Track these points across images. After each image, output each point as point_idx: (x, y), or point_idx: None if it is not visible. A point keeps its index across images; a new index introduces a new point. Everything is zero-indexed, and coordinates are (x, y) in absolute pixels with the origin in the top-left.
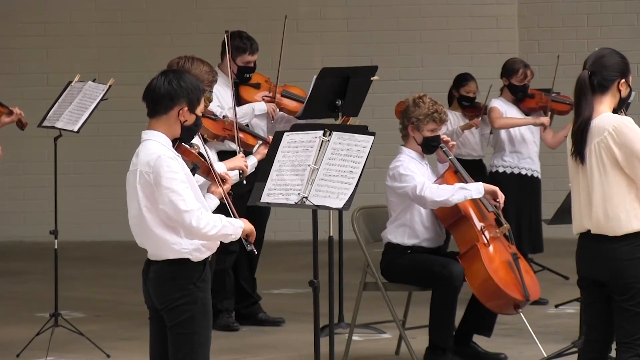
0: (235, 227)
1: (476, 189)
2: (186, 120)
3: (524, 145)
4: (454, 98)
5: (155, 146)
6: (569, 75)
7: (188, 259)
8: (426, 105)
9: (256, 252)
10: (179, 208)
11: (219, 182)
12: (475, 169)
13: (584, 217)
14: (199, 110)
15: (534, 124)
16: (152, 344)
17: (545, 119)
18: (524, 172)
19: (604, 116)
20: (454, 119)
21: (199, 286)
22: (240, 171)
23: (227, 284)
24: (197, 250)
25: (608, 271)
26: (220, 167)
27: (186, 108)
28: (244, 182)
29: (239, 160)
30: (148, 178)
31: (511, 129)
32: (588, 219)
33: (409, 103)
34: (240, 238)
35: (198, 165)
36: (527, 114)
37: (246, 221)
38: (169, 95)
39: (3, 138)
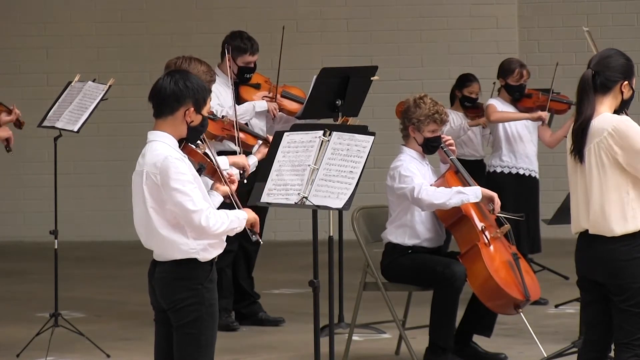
0: (240, 220)
1: (474, 194)
2: (192, 121)
3: (522, 144)
4: (456, 98)
5: (162, 147)
6: (568, 75)
7: (195, 259)
8: (427, 106)
9: (261, 242)
10: (187, 208)
11: (225, 182)
12: (477, 170)
13: (582, 217)
14: (205, 111)
15: (531, 119)
16: (157, 345)
17: (542, 113)
18: (521, 171)
19: (603, 117)
20: (456, 119)
21: (206, 287)
22: (242, 171)
23: (225, 282)
24: (204, 250)
25: (606, 271)
26: (222, 161)
27: (192, 108)
28: (245, 181)
29: (241, 157)
30: (155, 179)
31: (508, 129)
32: (586, 219)
33: (410, 103)
34: (245, 228)
35: (204, 166)
36: None
37: (249, 211)
38: (175, 95)
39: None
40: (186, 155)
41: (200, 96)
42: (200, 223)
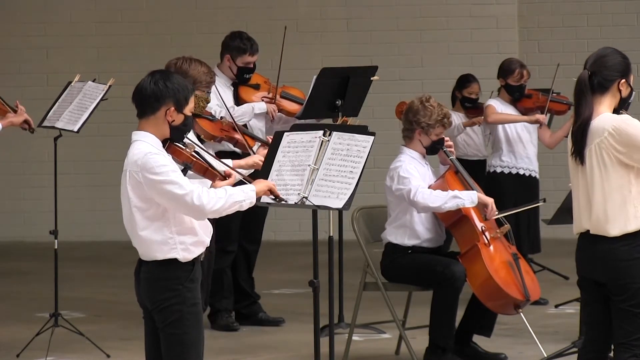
0: (246, 192)
1: (469, 198)
2: (174, 120)
3: (521, 145)
4: (456, 99)
5: (143, 146)
6: (568, 75)
7: (176, 259)
8: (436, 111)
9: (285, 201)
10: (177, 194)
11: (208, 174)
12: (480, 170)
13: (584, 217)
14: (188, 110)
15: (528, 122)
16: (147, 343)
17: (540, 116)
18: (521, 172)
19: (603, 116)
20: (458, 119)
21: (187, 286)
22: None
23: (225, 283)
24: (185, 250)
25: (606, 271)
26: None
27: (173, 108)
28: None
29: (256, 157)
30: (137, 177)
31: (508, 130)
32: (587, 219)
33: (418, 107)
34: (272, 196)
35: (189, 165)
36: (524, 114)
37: (260, 181)
38: (155, 95)
39: (3, 138)
40: (170, 155)
41: (182, 95)
42: (193, 203)
